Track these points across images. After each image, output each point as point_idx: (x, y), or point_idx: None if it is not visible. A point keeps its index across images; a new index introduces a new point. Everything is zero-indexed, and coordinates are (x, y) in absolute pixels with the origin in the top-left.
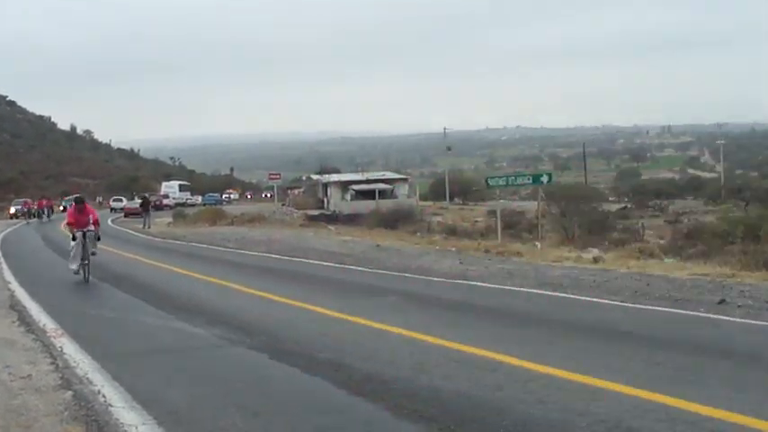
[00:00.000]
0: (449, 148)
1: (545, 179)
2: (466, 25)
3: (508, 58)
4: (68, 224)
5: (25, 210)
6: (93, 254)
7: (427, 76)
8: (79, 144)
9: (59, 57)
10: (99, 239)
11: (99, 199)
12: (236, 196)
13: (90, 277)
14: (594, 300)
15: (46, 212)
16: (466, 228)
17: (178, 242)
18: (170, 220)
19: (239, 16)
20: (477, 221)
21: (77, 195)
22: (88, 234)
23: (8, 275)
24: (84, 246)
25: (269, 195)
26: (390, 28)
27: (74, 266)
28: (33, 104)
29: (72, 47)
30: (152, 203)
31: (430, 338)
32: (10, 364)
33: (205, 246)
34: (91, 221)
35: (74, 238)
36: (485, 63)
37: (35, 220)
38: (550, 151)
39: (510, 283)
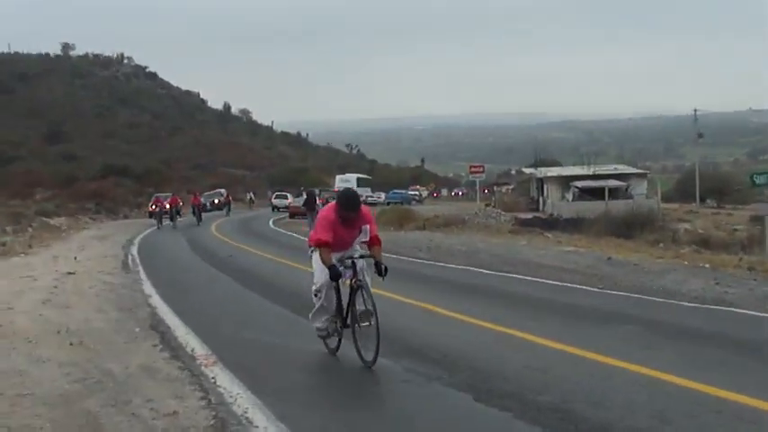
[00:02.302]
0: (700, 135)
1: None
2: None
3: None
4: (319, 244)
5: (157, 210)
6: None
7: (674, 41)
8: (234, 126)
9: (209, 19)
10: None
11: (250, 195)
12: (425, 193)
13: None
14: None
15: (175, 212)
16: (722, 238)
17: None
18: None
19: None
20: (736, 230)
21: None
22: (360, 267)
23: (148, 287)
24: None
25: (461, 193)
26: None
27: (319, 324)
28: (178, 78)
29: (226, 6)
30: (321, 201)
31: (676, 380)
32: (152, 397)
33: (389, 255)
34: (364, 237)
35: (334, 277)
36: (758, 21)
37: (168, 223)
38: None
39: None
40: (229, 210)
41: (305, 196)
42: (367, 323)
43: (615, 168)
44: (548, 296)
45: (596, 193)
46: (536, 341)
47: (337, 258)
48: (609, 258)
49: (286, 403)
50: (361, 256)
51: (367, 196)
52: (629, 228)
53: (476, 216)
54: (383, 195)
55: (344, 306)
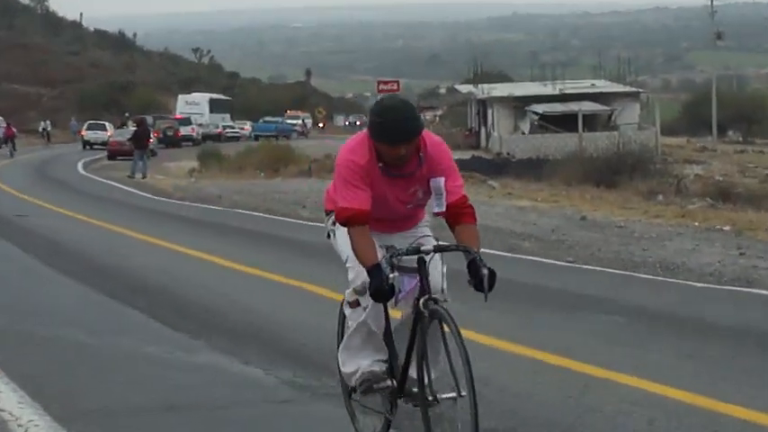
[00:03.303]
0: (719, 36)
1: None
2: None
3: None
4: (347, 215)
5: None
6: None
7: None
8: (23, 21)
9: None
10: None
11: (44, 125)
12: (309, 123)
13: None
14: None
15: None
16: (750, 187)
17: (208, 207)
18: (193, 164)
19: None
20: None
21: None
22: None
23: None
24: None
25: (358, 123)
26: None
27: (351, 368)
28: None
29: None
30: (157, 134)
31: (682, 396)
32: None
33: (260, 215)
34: (436, 204)
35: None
36: None
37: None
38: None
39: None
40: (14, 148)
41: (132, 127)
42: (452, 395)
43: (592, 85)
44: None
45: (565, 123)
46: (477, 338)
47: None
48: (583, 218)
49: None
50: (439, 248)
51: (225, 127)
52: (614, 173)
53: None
54: (249, 126)
55: (399, 353)
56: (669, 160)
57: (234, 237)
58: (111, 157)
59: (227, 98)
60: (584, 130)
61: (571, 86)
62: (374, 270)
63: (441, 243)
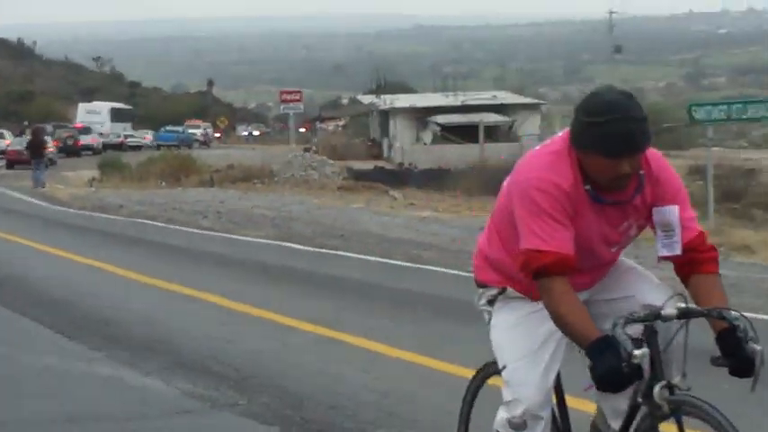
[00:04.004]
0: (617, 50)
1: None
2: None
3: None
4: (542, 266)
5: None
6: None
7: None
8: None
9: None
10: None
11: None
12: (210, 132)
13: None
14: None
15: None
16: None
17: (108, 217)
18: (93, 174)
19: None
20: None
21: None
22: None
23: None
24: None
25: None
26: None
27: None
28: None
29: None
30: (57, 144)
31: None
32: None
33: (161, 225)
34: (665, 247)
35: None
36: None
37: None
38: None
39: (730, 303)
40: None
41: (29, 136)
42: None
43: (494, 96)
44: (392, 284)
45: (466, 133)
46: (374, 348)
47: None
48: (483, 228)
49: None
50: (688, 313)
51: (126, 136)
52: None
53: (290, 166)
54: (150, 135)
55: None
56: None
57: (134, 247)
58: (10, 165)
59: (129, 107)
60: (485, 141)
61: (473, 98)
62: (601, 345)
63: (691, 306)
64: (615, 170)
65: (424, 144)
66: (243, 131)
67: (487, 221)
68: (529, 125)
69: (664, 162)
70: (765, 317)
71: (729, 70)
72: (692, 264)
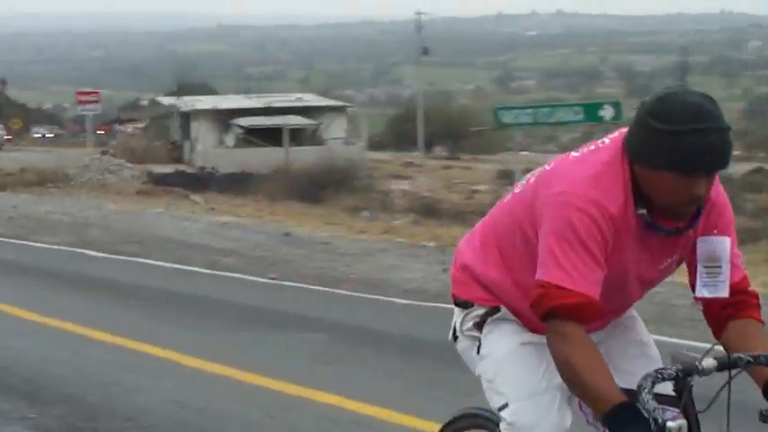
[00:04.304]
0: (425, 52)
1: (607, 113)
2: None
3: None
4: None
5: None
6: None
7: None
8: None
9: None
10: None
11: None
12: (1, 134)
13: None
14: None
15: None
16: (456, 204)
17: None
18: None
19: None
20: (476, 191)
21: None
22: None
23: None
24: None
25: (45, 135)
26: None
27: None
28: None
29: None
30: None
31: (380, 412)
32: None
33: None
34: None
35: None
36: None
37: None
38: (618, 60)
39: None
40: None
41: None
42: None
43: (299, 99)
44: (194, 290)
45: (270, 136)
46: (174, 359)
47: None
48: (287, 234)
49: None
50: (732, 362)
51: None
52: (320, 188)
53: (86, 169)
54: None
55: None
56: (375, 175)
57: None
58: None
59: None
60: (290, 145)
61: (277, 100)
62: (625, 414)
63: (736, 354)
64: (689, 191)
65: (227, 147)
66: (35, 133)
67: (476, 228)
68: (335, 128)
69: (720, 186)
70: None
71: (538, 73)
72: (736, 307)
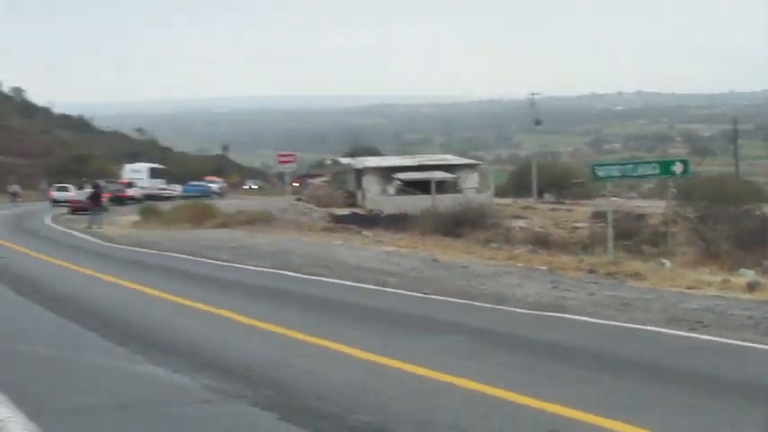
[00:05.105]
0: (538, 123)
1: (677, 168)
2: None
3: None
4: None
5: None
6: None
7: (508, 20)
8: (5, 107)
9: None
10: None
11: (13, 189)
12: (223, 185)
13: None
14: (750, 345)
15: None
16: (562, 237)
17: (147, 251)
18: (136, 218)
19: None
20: (577, 228)
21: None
22: None
23: None
24: None
25: (251, 187)
26: None
27: None
28: None
29: None
30: (105, 194)
31: (508, 396)
32: None
33: (187, 257)
34: None
35: None
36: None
37: None
38: (685, 128)
39: (625, 318)
40: None
41: (89, 189)
42: None
43: (443, 159)
44: (366, 302)
45: (421, 187)
46: (353, 353)
47: None
48: (435, 260)
49: (65, 427)
50: None
51: (161, 188)
52: (458, 226)
53: (285, 212)
54: (179, 188)
55: None
56: (500, 216)
57: (165, 274)
58: (73, 212)
59: (163, 167)
60: (436, 193)
61: (426, 159)
62: None
63: None
64: None
65: (389, 195)
66: (246, 186)
67: None
68: (470, 180)
69: None
70: (653, 328)
71: (623, 138)
72: None
